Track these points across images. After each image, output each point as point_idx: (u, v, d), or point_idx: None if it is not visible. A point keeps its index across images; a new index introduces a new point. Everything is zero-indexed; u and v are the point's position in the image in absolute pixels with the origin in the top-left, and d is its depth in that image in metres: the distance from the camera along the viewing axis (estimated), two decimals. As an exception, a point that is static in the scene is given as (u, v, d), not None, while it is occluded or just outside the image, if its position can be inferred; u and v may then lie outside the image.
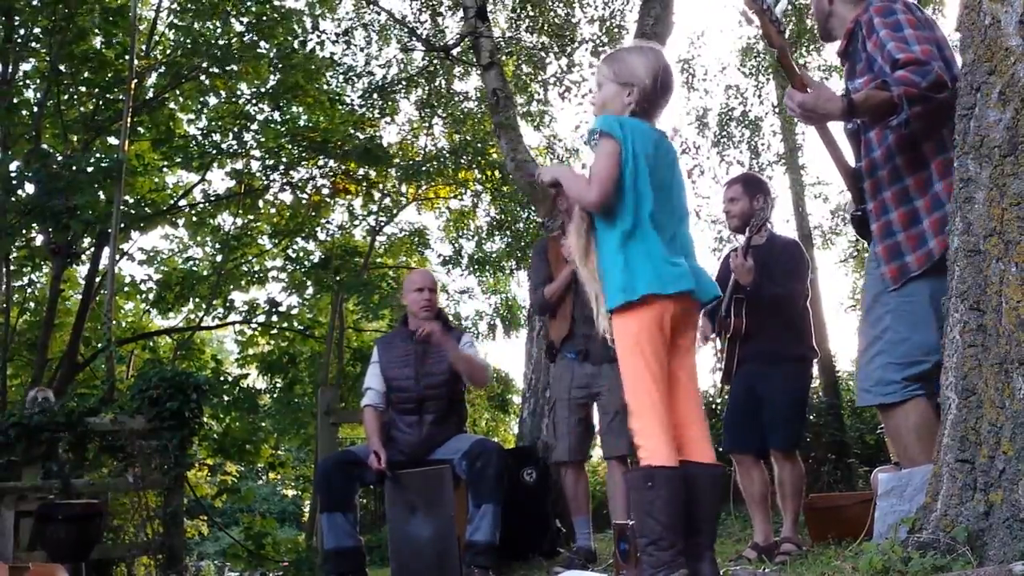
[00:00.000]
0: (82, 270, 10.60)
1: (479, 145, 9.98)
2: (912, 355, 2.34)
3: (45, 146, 9.06)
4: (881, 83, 2.29)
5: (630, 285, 2.16)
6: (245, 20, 9.92)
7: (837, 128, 2.68)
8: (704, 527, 2.16)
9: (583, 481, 4.03)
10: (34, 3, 8.38)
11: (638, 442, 2.13)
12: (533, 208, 8.69)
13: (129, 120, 8.45)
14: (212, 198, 11.11)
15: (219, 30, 10.03)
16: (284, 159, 10.18)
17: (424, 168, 9.71)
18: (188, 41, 9.55)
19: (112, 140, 9.59)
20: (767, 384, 3.65)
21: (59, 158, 8.46)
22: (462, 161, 9.86)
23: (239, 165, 10.67)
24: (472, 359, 3.92)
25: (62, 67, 8.80)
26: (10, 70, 8.94)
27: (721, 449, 4.05)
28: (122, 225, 8.68)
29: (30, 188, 8.28)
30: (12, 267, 9.37)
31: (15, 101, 8.92)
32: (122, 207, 8.16)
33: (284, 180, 10.63)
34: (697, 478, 2.14)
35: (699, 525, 2.13)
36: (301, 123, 10.73)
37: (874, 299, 2.49)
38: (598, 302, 2.29)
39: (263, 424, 11.32)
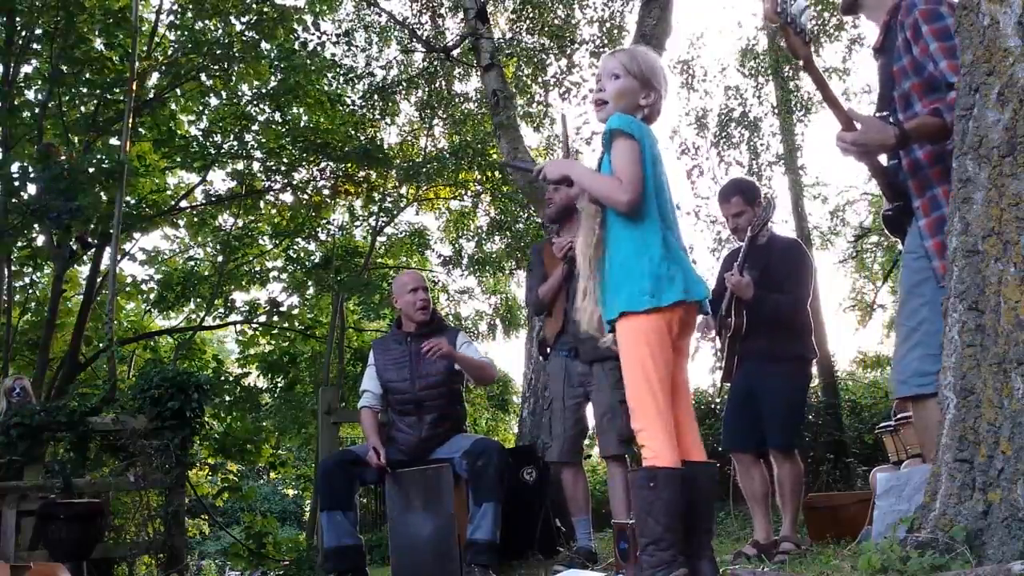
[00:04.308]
0: (84, 270, 10.61)
1: (479, 146, 9.97)
2: None
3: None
4: (933, 111, 2.31)
5: (659, 290, 2.16)
6: (245, 19, 9.91)
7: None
8: (702, 525, 2.18)
9: (582, 481, 4.05)
10: (36, 3, 8.37)
11: (642, 442, 2.14)
12: (533, 208, 8.69)
13: (130, 121, 8.44)
14: (213, 199, 11.11)
15: (220, 30, 10.03)
16: (285, 160, 10.19)
17: (424, 169, 9.71)
18: (189, 41, 9.56)
19: (114, 141, 9.59)
20: (766, 383, 3.66)
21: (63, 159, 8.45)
22: (462, 162, 9.86)
23: (240, 166, 10.69)
24: (480, 363, 3.96)
25: (63, 68, 8.80)
26: (11, 71, 8.93)
27: (720, 448, 4.07)
28: (125, 223, 8.68)
29: (31, 188, 8.29)
30: (14, 267, 9.36)
31: (16, 103, 8.92)
32: (123, 207, 8.16)
33: (285, 181, 10.64)
34: (696, 477, 2.16)
35: (698, 523, 2.16)
36: (302, 124, 10.73)
37: (909, 292, 2.46)
38: (587, 295, 2.29)
39: (264, 424, 11.33)
